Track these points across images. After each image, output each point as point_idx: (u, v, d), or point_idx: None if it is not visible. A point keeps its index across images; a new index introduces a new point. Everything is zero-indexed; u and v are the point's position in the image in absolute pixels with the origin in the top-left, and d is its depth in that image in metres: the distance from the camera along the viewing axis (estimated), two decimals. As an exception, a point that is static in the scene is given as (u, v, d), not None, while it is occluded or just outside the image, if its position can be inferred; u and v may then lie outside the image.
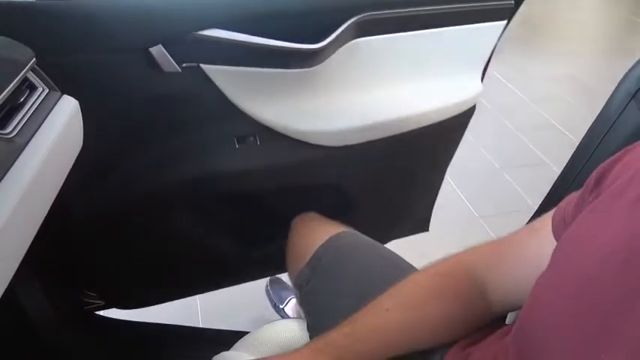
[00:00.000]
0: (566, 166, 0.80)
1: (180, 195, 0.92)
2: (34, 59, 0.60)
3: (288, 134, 0.89)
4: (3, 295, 0.48)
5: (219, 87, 0.81)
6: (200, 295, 1.55)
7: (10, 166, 0.50)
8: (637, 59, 0.70)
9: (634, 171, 0.44)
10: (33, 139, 0.55)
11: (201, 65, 0.78)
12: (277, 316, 1.48)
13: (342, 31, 0.81)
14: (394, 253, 0.83)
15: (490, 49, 1.00)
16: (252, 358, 0.74)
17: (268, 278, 1.54)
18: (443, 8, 0.88)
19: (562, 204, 0.54)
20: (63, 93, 0.65)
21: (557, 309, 0.43)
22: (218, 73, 0.79)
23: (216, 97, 0.82)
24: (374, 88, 0.94)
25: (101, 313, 1.20)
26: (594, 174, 0.49)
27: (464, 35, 0.93)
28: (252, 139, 0.88)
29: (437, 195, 1.25)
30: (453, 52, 0.96)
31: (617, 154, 0.48)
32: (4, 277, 0.48)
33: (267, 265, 1.15)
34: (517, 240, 0.60)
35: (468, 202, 2.02)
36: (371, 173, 1.04)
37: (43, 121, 0.58)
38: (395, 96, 0.95)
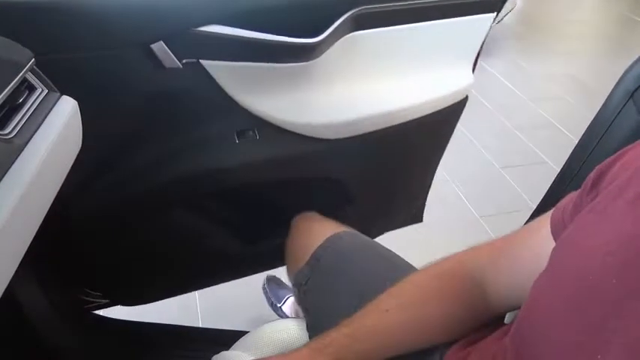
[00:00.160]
0: (564, 166, 0.79)
1: (180, 190, 0.92)
2: (33, 60, 0.60)
3: (287, 128, 0.90)
4: (2, 295, 0.48)
5: (219, 82, 0.82)
6: (200, 296, 1.55)
7: (9, 167, 0.50)
8: (635, 59, 0.70)
9: (632, 171, 0.44)
10: (32, 140, 0.55)
11: (201, 61, 0.78)
12: (276, 315, 1.48)
13: (339, 25, 0.82)
14: (394, 253, 0.83)
15: (480, 41, 1.02)
16: (252, 357, 0.74)
17: (265, 277, 1.54)
18: (436, 1, 0.91)
19: (560, 204, 0.54)
20: (63, 92, 0.65)
21: (555, 310, 0.43)
22: (217, 69, 0.80)
23: (215, 92, 0.83)
24: (369, 80, 0.96)
25: (101, 313, 1.20)
26: (592, 174, 0.49)
27: (455, 28, 0.95)
28: (251, 133, 0.90)
29: (430, 186, 1.27)
30: (445, 44, 0.98)
31: (615, 155, 0.48)
32: (4, 277, 0.48)
33: (267, 258, 1.15)
34: (516, 240, 0.60)
35: (468, 201, 2.03)
36: (366, 165, 1.06)
37: (42, 122, 0.58)
38: (389, 88, 0.97)
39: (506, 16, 3.27)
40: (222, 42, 0.77)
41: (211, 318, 1.50)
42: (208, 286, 1.20)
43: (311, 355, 0.59)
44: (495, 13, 0.98)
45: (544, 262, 0.48)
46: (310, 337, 0.77)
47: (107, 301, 1.13)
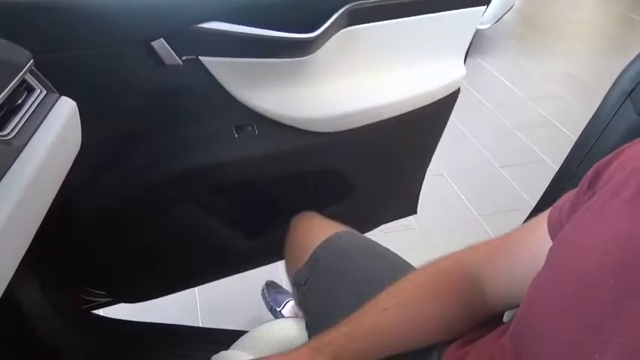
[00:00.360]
0: (562, 165, 0.80)
1: (180, 187, 0.93)
2: (32, 61, 0.60)
3: (285, 122, 0.92)
4: (2, 295, 0.48)
5: (217, 78, 0.83)
6: (200, 295, 1.55)
7: (8, 168, 0.50)
8: (632, 58, 0.70)
9: (629, 170, 0.44)
10: (31, 141, 0.55)
11: (200, 57, 0.79)
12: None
13: (334, 20, 0.83)
14: (392, 252, 0.83)
15: (471, 34, 1.05)
16: (252, 357, 0.75)
17: (264, 283, 1.54)
18: None
19: (558, 203, 0.55)
20: (63, 91, 0.66)
21: (553, 309, 0.43)
22: (216, 65, 0.81)
23: (214, 88, 0.83)
24: (364, 74, 0.97)
25: (101, 312, 1.20)
26: (589, 173, 0.49)
27: (447, 21, 0.98)
28: (250, 128, 0.91)
29: (424, 178, 1.29)
30: (437, 37, 1.00)
31: (611, 154, 0.48)
32: (4, 277, 0.49)
33: (267, 252, 1.16)
34: (513, 239, 0.60)
35: (467, 200, 2.03)
36: (363, 157, 1.07)
37: (40, 123, 0.58)
38: (384, 81, 0.99)
39: (506, 16, 3.27)
40: (221, 38, 0.78)
41: (211, 318, 1.50)
42: (209, 281, 1.20)
43: (310, 354, 0.59)
44: (485, 6, 1.00)
45: (541, 261, 0.48)
46: (309, 336, 0.77)
47: (107, 300, 1.13)
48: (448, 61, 1.06)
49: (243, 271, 1.20)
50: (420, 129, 1.12)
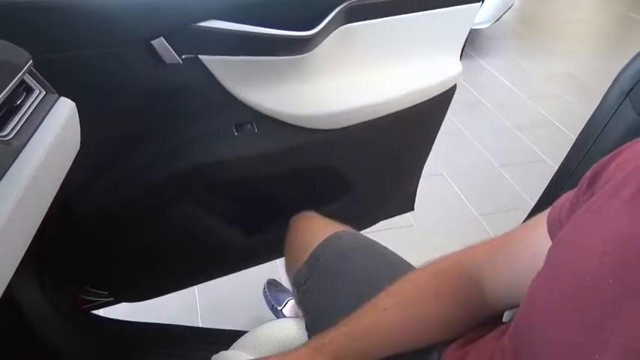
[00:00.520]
0: (561, 165, 0.80)
1: (180, 186, 0.93)
2: (31, 62, 0.60)
3: (284, 120, 0.92)
4: (2, 295, 0.48)
5: (217, 77, 0.83)
6: (200, 295, 1.55)
7: (8, 169, 0.50)
8: (631, 58, 0.70)
9: (628, 170, 0.44)
10: (30, 142, 0.55)
11: (199, 56, 0.80)
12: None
13: (332, 18, 0.84)
14: (392, 251, 0.83)
15: (467, 30, 1.06)
16: (252, 357, 0.75)
17: (266, 281, 1.54)
18: None
19: (557, 203, 0.55)
20: (63, 91, 0.66)
21: (552, 309, 0.43)
22: (215, 63, 0.82)
23: (213, 86, 0.84)
24: (362, 71, 0.98)
25: (100, 313, 1.20)
26: (588, 173, 0.49)
27: (443, 18, 0.98)
28: (249, 126, 0.91)
29: (421, 174, 1.30)
30: (434, 34, 1.01)
31: (610, 154, 0.48)
32: (4, 277, 0.49)
33: (266, 250, 1.16)
34: (513, 238, 0.60)
35: (467, 200, 2.03)
36: (361, 154, 1.08)
37: (40, 124, 0.58)
38: (381, 78, 0.99)
39: (506, 15, 3.27)
40: (221, 37, 0.78)
41: (211, 318, 1.50)
42: (210, 279, 1.21)
43: (310, 354, 0.59)
44: (481, 3, 1.01)
45: (541, 260, 0.48)
46: (309, 336, 0.77)
47: (107, 300, 1.13)
48: (444, 58, 1.06)
49: (244, 268, 1.21)
50: (417, 126, 1.12)
